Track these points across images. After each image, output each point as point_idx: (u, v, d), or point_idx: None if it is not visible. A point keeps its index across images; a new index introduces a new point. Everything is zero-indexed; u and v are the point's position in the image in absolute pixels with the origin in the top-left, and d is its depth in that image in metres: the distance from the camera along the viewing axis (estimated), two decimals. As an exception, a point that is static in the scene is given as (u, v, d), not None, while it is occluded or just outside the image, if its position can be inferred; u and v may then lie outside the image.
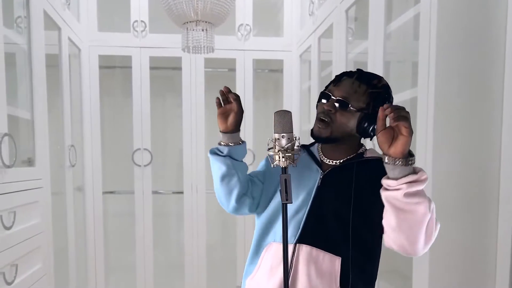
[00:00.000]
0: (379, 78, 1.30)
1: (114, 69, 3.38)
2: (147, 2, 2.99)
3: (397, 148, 1.05)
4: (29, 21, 2.05)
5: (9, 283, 1.72)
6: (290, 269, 1.25)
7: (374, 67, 1.95)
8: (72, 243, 2.65)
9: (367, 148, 1.36)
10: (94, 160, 3.06)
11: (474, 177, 1.54)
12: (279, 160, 1.11)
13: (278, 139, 1.11)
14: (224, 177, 1.33)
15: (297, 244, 1.26)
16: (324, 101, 1.28)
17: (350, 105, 1.24)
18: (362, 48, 2.19)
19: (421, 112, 1.58)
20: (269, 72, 3.60)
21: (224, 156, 1.32)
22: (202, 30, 2.02)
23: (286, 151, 1.10)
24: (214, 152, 1.34)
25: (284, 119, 1.12)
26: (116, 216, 3.40)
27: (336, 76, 1.32)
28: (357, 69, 1.32)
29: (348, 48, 2.32)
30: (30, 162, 2.07)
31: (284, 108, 1.18)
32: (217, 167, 1.34)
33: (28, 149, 2.07)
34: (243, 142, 1.35)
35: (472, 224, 1.55)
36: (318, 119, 1.28)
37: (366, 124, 1.26)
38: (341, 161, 1.31)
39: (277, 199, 1.33)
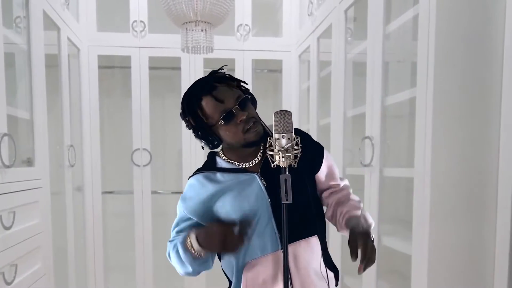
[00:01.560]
0: (217, 72, 1.32)
1: (113, 69, 3.38)
2: (146, 2, 2.99)
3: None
4: (29, 21, 2.05)
5: (8, 283, 1.72)
6: (289, 273, 1.24)
7: (373, 67, 1.95)
8: (72, 243, 2.65)
9: (265, 124, 1.33)
10: (94, 160, 3.06)
11: (472, 177, 1.54)
12: (279, 160, 1.11)
13: (278, 139, 1.11)
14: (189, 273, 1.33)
15: (283, 248, 1.23)
16: (229, 120, 1.23)
17: (247, 97, 1.27)
18: (361, 48, 2.19)
19: (420, 112, 1.58)
20: (268, 72, 3.60)
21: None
22: (202, 30, 2.02)
23: (286, 151, 1.11)
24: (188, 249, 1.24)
25: (284, 119, 1.12)
26: (116, 216, 3.39)
27: (191, 104, 1.25)
28: (196, 82, 1.29)
29: (347, 49, 2.32)
30: (29, 162, 2.07)
31: (283, 108, 1.18)
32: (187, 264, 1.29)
33: (27, 149, 2.06)
34: None
35: (470, 224, 1.55)
36: (248, 128, 1.23)
37: (250, 96, 1.31)
38: (259, 156, 1.30)
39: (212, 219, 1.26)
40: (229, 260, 1.35)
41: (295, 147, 1.12)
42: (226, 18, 2.11)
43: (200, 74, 3.10)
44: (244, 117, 1.22)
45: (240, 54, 3.14)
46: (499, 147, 1.49)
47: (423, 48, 1.56)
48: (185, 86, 3.10)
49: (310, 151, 1.31)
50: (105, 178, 3.19)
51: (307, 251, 1.28)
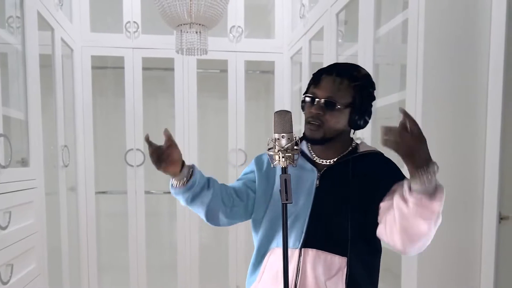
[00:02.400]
0: (357, 68, 1.29)
1: (107, 69, 3.39)
2: (140, 3, 3.00)
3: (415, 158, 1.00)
4: (23, 22, 2.05)
5: (4, 283, 1.73)
6: (298, 273, 1.26)
7: (364, 70, 1.99)
8: (66, 243, 2.65)
9: (359, 142, 1.37)
10: (87, 160, 3.07)
11: (460, 178, 1.59)
12: (279, 160, 1.11)
13: (278, 139, 1.11)
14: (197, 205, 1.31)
15: (303, 249, 1.26)
16: (309, 103, 1.27)
17: (337, 104, 1.23)
18: (352, 50, 2.23)
19: (409, 114, 1.62)
20: (260, 73, 3.64)
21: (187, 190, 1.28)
22: (196, 32, 2.05)
23: (286, 151, 1.10)
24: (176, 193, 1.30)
25: (284, 119, 1.12)
26: (109, 216, 3.40)
27: (314, 74, 1.30)
28: (334, 64, 1.32)
29: (339, 51, 2.36)
30: (24, 163, 2.08)
31: (276, 110, 1.19)
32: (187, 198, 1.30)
33: (22, 150, 2.07)
34: (192, 169, 1.31)
35: (458, 224, 1.60)
36: (309, 123, 1.27)
37: (356, 117, 1.26)
38: (336, 159, 1.31)
39: (277, 204, 1.28)
40: (262, 235, 1.36)
41: (295, 147, 1.11)
42: (220, 21, 2.14)
43: (193, 75, 3.13)
44: (315, 113, 1.24)
45: (232, 56, 3.17)
46: (485, 149, 1.54)
47: (412, 51, 1.61)
48: (178, 87, 3.13)
49: (380, 178, 1.22)
50: (99, 178, 3.19)
51: (325, 265, 1.25)
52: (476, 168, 1.57)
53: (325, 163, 1.32)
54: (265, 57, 3.24)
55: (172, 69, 3.13)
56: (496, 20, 1.48)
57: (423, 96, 1.56)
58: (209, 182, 1.32)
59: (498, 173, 1.48)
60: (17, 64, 2.09)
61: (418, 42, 1.57)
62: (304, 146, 1.36)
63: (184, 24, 2.04)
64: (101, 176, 3.25)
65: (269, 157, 1.15)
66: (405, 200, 1.06)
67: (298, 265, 1.26)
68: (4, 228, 1.75)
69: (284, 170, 1.11)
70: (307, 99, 1.27)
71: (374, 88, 1.30)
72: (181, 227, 3.17)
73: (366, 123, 1.31)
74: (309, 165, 1.32)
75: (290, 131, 1.11)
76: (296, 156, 1.12)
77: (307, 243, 1.27)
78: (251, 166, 1.42)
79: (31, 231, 2.03)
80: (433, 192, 1.02)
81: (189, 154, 3.14)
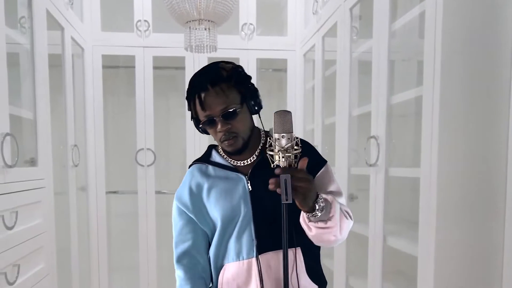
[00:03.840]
0: (222, 66, 1.26)
1: (118, 68, 3.38)
2: (150, 2, 2.98)
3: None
4: (32, 21, 2.04)
5: (11, 284, 1.71)
6: (261, 281, 1.27)
7: (379, 66, 1.93)
8: (75, 243, 2.64)
9: (267, 130, 1.36)
10: (97, 160, 3.06)
11: (480, 177, 1.52)
12: (279, 160, 1.10)
13: (278, 139, 1.10)
14: None
15: (259, 256, 1.28)
16: (210, 125, 1.25)
17: (235, 109, 1.23)
18: (367, 47, 2.17)
19: (426, 111, 1.56)
20: (272, 71, 3.59)
21: None
22: (205, 29, 2.01)
23: (286, 151, 1.10)
24: None
25: (284, 119, 1.10)
26: (119, 216, 3.40)
27: (189, 98, 1.26)
28: (197, 77, 1.26)
29: (353, 47, 2.30)
30: (32, 162, 2.07)
31: (288, 108, 1.17)
32: None
33: (30, 149, 2.06)
34: None
35: (478, 225, 1.53)
36: (225, 140, 1.26)
37: (252, 103, 1.28)
38: (254, 157, 1.32)
39: (216, 221, 1.32)
40: (211, 259, 1.37)
41: (295, 147, 1.11)
42: (230, 17, 2.10)
43: (204, 74, 3.09)
44: (224, 129, 1.24)
45: (244, 53, 3.12)
46: (507, 147, 1.46)
47: (429, 46, 1.54)
48: (189, 86, 3.09)
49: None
50: (109, 178, 3.18)
51: (281, 262, 1.26)
52: (497, 168, 1.49)
53: (246, 163, 1.32)
54: (278, 55, 3.19)
55: (183, 68, 3.10)
56: (519, 11, 1.40)
57: (440, 93, 1.49)
58: None
59: (521, 173, 1.40)
60: (28, 64, 2.08)
61: (436, 36, 1.50)
62: (217, 158, 1.36)
63: (193, 20, 2.00)
64: (111, 176, 3.24)
65: (269, 157, 1.14)
66: (307, 226, 1.18)
67: (260, 273, 1.27)
68: (11, 228, 1.73)
69: (284, 170, 1.09)
70: (206, 123, 1.25)
71: (241, 68, 1.30)
72: (192, 228, 3.13)
73: (259, 100, 1.31)
74: (233, 174, 1.32)
75: (290, 131, 1.11)
76: (296, 156, 1.12)
77: (261, 249, 1.28)
78: (177, 211, 1.42)
79: (39, 231, 2.02)
80: (327, 213, 1.15)
81: (200, 153, 3.09)
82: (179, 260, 1.39)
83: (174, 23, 2.20)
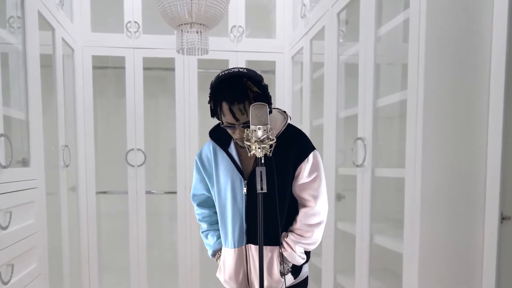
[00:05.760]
0: (249, 87, 1.34)
1: (108, 69, 3.39)
2: (140, 3, 3.00)
3: None
4: (24, 22, 2.05)
5: (5, 283, 1.73)
6: (248, 270, 1.48)
7: (365, 69, 1.99)
8: (66, 243, 2.65)
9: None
10: (88, 160, 3.06)
11: (462, 177, 1.58)
12: (255, 150, 1.20)
13: (255, 130, 1.19)
14: None
15: (247, 245, 1.46)
16: (231, 128, 1.37)
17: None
18: (354, 50, 2.23)
19: (411, 114, 1.62)
20: (261, 73, 3.60)
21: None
22: (197, 32, 2.04)
23: (262, 141, 1.19)
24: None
25: (260, 112, 1.19)
26: (110, 216, 3.40)
27: (213, 97, 1.36)
28: (227, 84, 1.34)
29: (340, 50, 2.36)
30: (24, 163, 2.08)
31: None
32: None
33: (22, 150, 2.07)
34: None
35: (460, 223, 1.59)
36: (239, 140, 1.39)
37: (269, 110, 1.32)
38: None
39: (221, 200, 1.49)
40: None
41: (270, 137, 1.19)
42: (221, 20, 2.13)
43: (194, 75, 3.13)
44: (242, 135, 1.34)
45: (233, 55, 3.16)
46: (487, 149, 1.53)
47: (413, 50, 1.60)
48: (179, 87, 3.12)
49: (296, 148, 1.41)
50: (99, 178, 3.19)
51: (266, 257, 1.44)
52: (477, 168, 1.56)
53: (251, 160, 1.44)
54: (266, 57, 3.24)
55: (173, 69, 3.13)
56: (498, 19, 1.47)
57: (424, 96, 1.56)
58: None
59: (500, 173, 1.47)
60: (17, 64, 2.09)
61: (420, 42, 1.56)
62: (233, 151, 1.47)
63: (184, 23, 2.03)
64: (102, 176, 3.25)
65: (246, 147, 1.24)
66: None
67: (247, 261, 1.48)
68: (5, 228, 1.74)
69: (260, 161, 1.21)
70: (227, 126, 1.39)
71: (266, 87, 1.41)
72: (182, 227, 3.17)
73: (271, 108, 1.38)
74: (236, 173, 1.44)
75: (266, 123, 1.20)
76: (271, 146, 1.21)
77: (249, 240, 1.46)
78: (195, 166, 1.59)
79: (32, 231, 2.03)
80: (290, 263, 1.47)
81: (190, 155, 3.13)
82: (199, 204, 1.64)
83: (164, 25, 2.22)
